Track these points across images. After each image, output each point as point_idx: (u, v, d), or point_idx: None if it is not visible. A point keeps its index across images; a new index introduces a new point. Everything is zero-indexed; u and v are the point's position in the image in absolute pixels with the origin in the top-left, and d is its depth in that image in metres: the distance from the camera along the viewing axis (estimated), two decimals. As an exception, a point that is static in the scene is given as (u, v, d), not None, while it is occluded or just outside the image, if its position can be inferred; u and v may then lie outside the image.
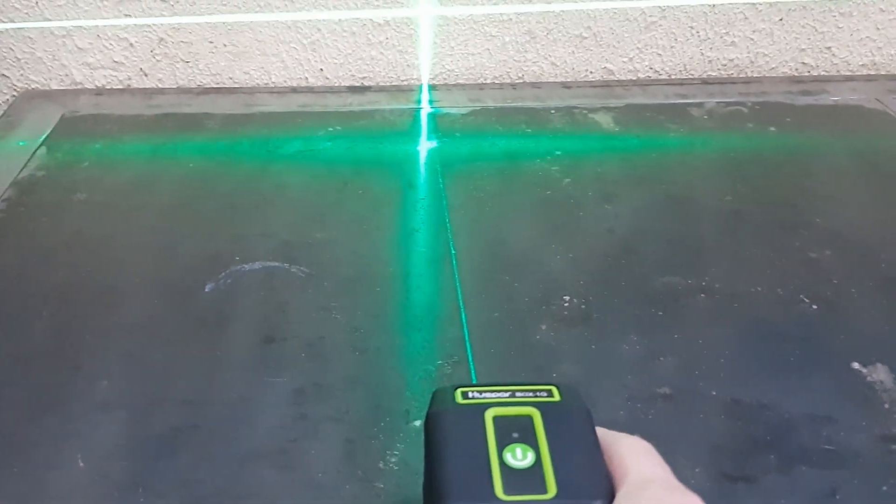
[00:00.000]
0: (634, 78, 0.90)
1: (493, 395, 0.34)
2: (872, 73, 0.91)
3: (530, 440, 0.32)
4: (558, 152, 0.76)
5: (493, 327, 0.55)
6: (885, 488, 0.44)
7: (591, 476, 0.31)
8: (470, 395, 0.34)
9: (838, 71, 0.91)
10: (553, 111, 0.83)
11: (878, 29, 0.88)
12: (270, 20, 0.83)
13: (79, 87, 0.88)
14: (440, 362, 0.52)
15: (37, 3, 0.82)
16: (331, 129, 0.80)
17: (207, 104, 0.84)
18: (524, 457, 0.31)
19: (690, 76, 0.90)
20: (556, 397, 0.34)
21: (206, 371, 0.51)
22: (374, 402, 0.49)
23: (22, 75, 0.87)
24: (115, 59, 0.86)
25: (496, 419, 0.33)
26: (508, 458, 0.31)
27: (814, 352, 0.53)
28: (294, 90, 0.88)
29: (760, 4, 0.86)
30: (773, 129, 0.80)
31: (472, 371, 0.51)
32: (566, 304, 0.57)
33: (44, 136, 0.79)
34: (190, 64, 0.86)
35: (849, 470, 0.45)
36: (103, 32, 0.84)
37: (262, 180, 0.72)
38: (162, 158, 0.75)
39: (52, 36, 0.84)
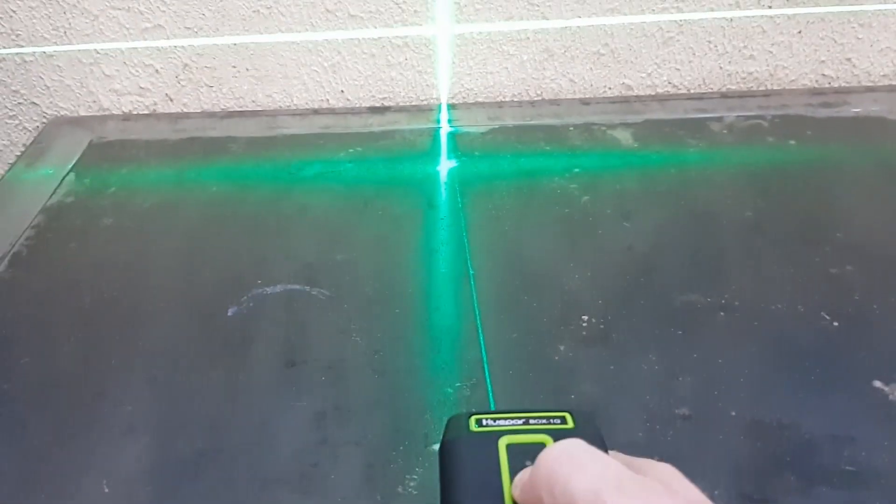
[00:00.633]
0: (653, 93, 0.90)
1: (506, 422, 0.34)
2: (894, 83, 0.90)
3: None
4: (577, 169, 0.76)
5: (512, 348, 0.55)
6: (908, 510, 0.43)
7: None
8: (484, 422, 0.34)
9: (859, 82, 0.90)
10: (572, 128, 0.83)
11: (899, 39, 0.87)
12: (291, 42, 0.84)
13: (106, 112, 0.89)
14: (459, 384, 0.52)
15: (65, 32, 0.84)
16: (351, 150, 0.80)
17: (231, 127, 0.85)
18: None
19: (709, 90, 0.90)
20: (570, 424, 0.34)
21: (229, 394, 0.52)
22: (394, 425, 0.49)
23: (51, 102, 0.88)
24: (142, 86, 0.87)
25: (510, 447, 0.33)
26: None
27: (835, 370, 0.52)
28: (316, 112, 0.88)
29: (779, 17, 0.86)
30: (793, 142, 0.79)
31: (490, 393, 0.51)
32: (585, 324, 0.57)
33: (72, 163, 0.80)
34: (214, 88, 0.88)
35: (870, 490, 0.44)
36: (129, 59, 0.85)
37: (284, 202, 0.72)
38: (187, 182, 0.76)
39: (80, 64, 0.86)
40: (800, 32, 0.87)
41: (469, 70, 0.87)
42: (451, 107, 0.88)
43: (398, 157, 0.80)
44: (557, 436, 0.33)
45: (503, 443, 0.33)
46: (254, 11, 0.83)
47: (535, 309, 0.59)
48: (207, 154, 0.81)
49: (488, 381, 0.52)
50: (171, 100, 0.88)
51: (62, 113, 0.89)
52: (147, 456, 0.47)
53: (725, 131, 0.81)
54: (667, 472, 0.31)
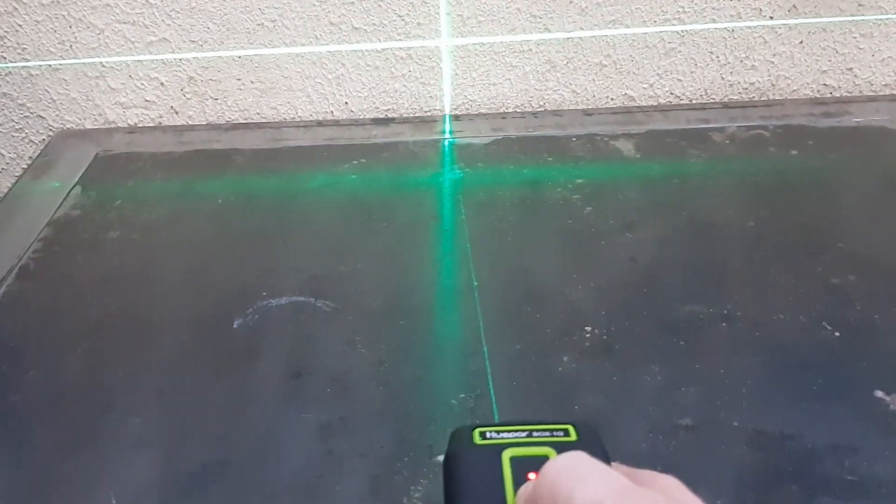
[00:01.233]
0: (655, 104, 0.90)
1: (510, 434, 0.35)
2: (895, 92, 0.91)
3: None
4: (580, 180, 0.76)
5: (515, 359, 0.55)
6: (910, 520, 0.43)
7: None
8: (487, 435, 0.35)
9: (861, 92, 0.91)
10: (574, 139, 0.83)
11: (900, 49, 0.87)
12: (296, 55, 0.85)
13: (112, 125, 0.90)
14: (463, 395, 0.52)
15: (71, 46, 0.85)
16: (356, 161, 0.81)
17: (236, 140, 0.86)
18: None
19: (711, 101, 0.90)
20: (573, 437, 0.34)
21: (235, 407, 0.52)
22: (399, 436, 0.49)
23: (57, 116, 0.89)
24: (147, 98, 0.88)
25: (513, 460, 0.33)
26: None
27: (836, 380, 0.52)
28: (320, 124, 0.89)
29: (780, 28, 0.86)
30: (795, 152, 0.80)
31: (494, 404, 0.51)
32: (588, 335, 0.57)
33: (79, 176, 0.81)
34: (219, 101, 0.88)
35: (872, 501, 0.44)
36: (135, 73, 0.86)
37: (289, 214, 0.73)
38: (192, 194, 0.77)
39: (85, 77, 0.87)
40: (801, 43, 0.87)
41: (472, 81, 0.88)
42: (455, 118, 0.89)
43: (402, 168, 0.80)
44: (561, 448, 0.34)
45: (506, 455, 0.33)
46: (258, 25, 0.84)
47: (539, 320, 0.59)
48: (212, 166, 0.82)
49: (492, 392, 0.52)
50: (177, 112, 0.89)
51: (68, 126, 0.90)
52: (155, 468, 0.48)
53: (727, 142, 0.82)
54: (670, 484, 0.32)
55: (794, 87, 0.90)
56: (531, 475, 0.32)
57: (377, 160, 0.81)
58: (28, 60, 0.85)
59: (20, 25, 0.83)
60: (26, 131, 0.90)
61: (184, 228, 0.72)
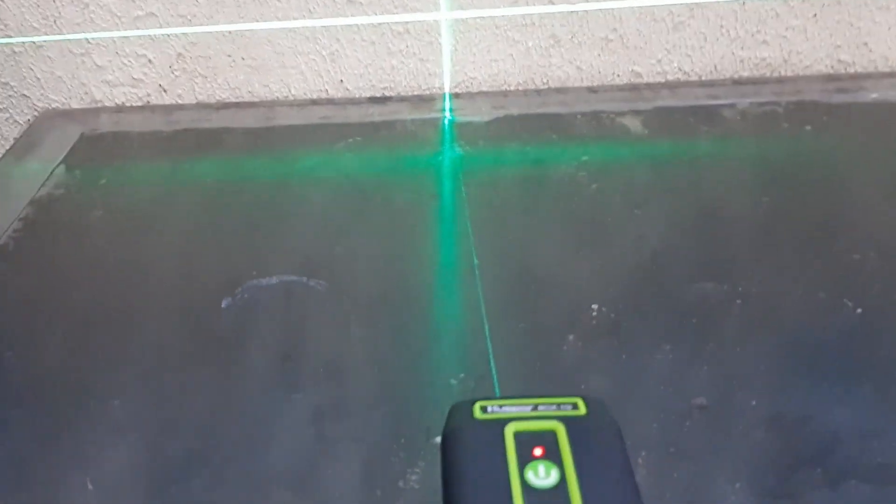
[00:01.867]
0: (663, 80, 0.88)
1: (513, 408, 0.32)
2: (913, 68, 0.88)
3: (554, 457, 0.30)
4: (585, 158, 0.74)
5: (518, 339, 0.53)
6: (942, 504, 0.41)
7: (622, 497, 0.29)
8: (489, 409, 0.33)
9: (876, 67, 0.88)
10: (579, 116, 0.81)
11: (917, 22, 0.85)
12: (288, 30, 0.83)
13: (99, 105, 0.88)
14: (463, 376, 0.50)
15: (55, 21, 0.82)
16: (351, 140, 0.78)
17: (227, 119, 0.84)
18: (547, 475, 0.29)
19: (721, 77, 0.88)
20: (582, 410, 0.32)
21: (222, 390, 0.50)
22: (394, 419, 0.47)
23: (42, 95, 0.87)
24: (135, 77, 0.86)
25: (517, 435, 0.31)
26: (530, 476, 0.29)
27: (860, 358, 0.50)
28: (314, 102, 0.87)
29: (793, 0, 0.84)
30: (809, 128, 0.77)
31: (496, 384, 0.49)
32: (595, 314, 0.55)
33: (63, 155, 0.79)
34: (209, 79, 0.86)
35: (902, 485, 0.42)
36: (122, 49, 0.84)
37: (282, 194, 0.71)
38: (181, 175, 0.75)
39: (70, 54, 0.84)
40: (815, 16, 0.85)
41: (472, 58, 0.86)
42: (455, 96, 0.87)
43: (400, 148, 0.78)
44: (569, 422, 0.31)
45: (510, 430, 0.31)
46: (249, -2, 0.81)
47: (543, 299, 0.57)
48: (202, 146, 0.79)
49: (494, 372, 0.50)
50: (165, 91, 0.87)
51: (53, 105, 0.88)
52: (135, 454, 0.46)
53: (738, 118, 0.80)
54: None
55: (808, 63, 0.88)
56: (537, 450, 0.30)
57: (374, 139, 0.79)
58: (11, 37, 0.83)
59: (1, 0, 0.81)
60: (10, 111, 0.88)
61: (171, 209, 0.69)
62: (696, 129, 0.78)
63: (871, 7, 0.85)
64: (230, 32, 0.83)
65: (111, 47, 0.84)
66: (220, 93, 0.87)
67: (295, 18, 0.83)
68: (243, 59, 0.85)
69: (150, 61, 0.85)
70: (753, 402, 0.48)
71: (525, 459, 0.30)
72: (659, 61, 0.87)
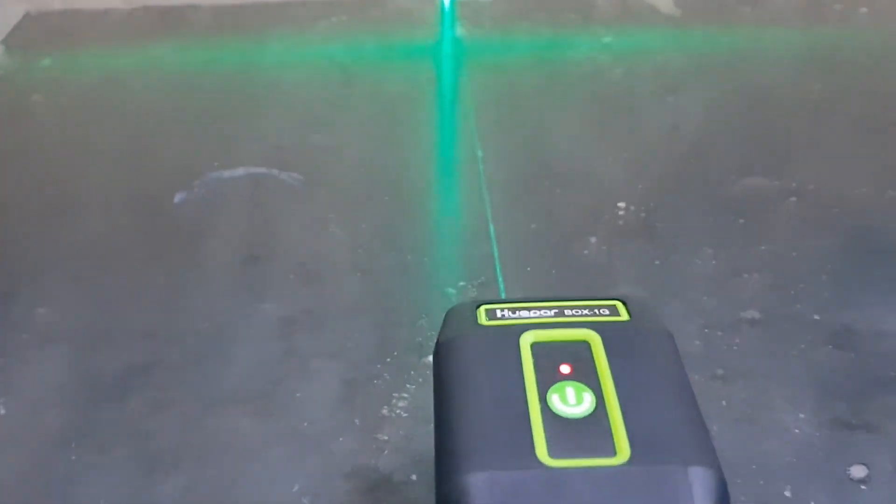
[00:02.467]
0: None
1: (531, 312, 0.25)
2: None
3: (587, 377, 0.22)
4: (608, 39, 0.67)
5: (530, 241, 0.47)
6: None
7: (680, 428, 0.21)
8: (498, 313, 0.25)
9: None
10: (600, -6, 0.73)
11: None
12: None
13: (47, -20, 0.78)
14: (463, 284, 0.44)
15: None
16: (335, 19, 0.72)
17: (193, -4, 0.76)
18: (579, 401, 0.22)
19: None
20: (624, 315, 0.25)
21: (172, 296, 0.44)
22: (379, 333, 0.41)
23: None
24: (87, -53, 0.76)
25: (536, 347, 0.23)
26: (556, 402, 0.22)
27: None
28: (294, -23, 0.78)
29: None
30: (864, 9, 0.71)
31: (503, 295, 0.43)
32: (621, 213, 0.49)
33: (3, 35, 0.71)
34: (172, -51, 0.76)
35: None
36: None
37: (253, 78, 0.65)
38: (138, 56, 0.68)
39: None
40: None
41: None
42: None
43: (391, 28, 0.72)
44: (606, 331, 0.24)
45: (526, 341, 0.24)
46: None
47: (559, 196, 0.51)
48: (164, 26, 0.73)
49: (500, 280, 0.44)
50: (123, -36, 0.77)
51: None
52: (61, 371, 0.39)
53: (785, -3, 0.72)
54: None
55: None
56: (564, 368, 0.22)
57: (362, 19, 0.72)
58: None
59: None
60: (-55, -12, 0.78)
61: (125, 94, 0.63)
62: (736, 10, 0.72)
63: None
64: None
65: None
66: (185, -34, 0.78)
67: None
68: (211, -76, 0.75)
69: (103, -73, 0.75)
70: (816, 316, 0.41)
71: (548, 380, 0.22)
72: (693, -68, 0.77)
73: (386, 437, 0.35)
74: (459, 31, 0.70)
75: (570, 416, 0.21)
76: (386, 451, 0.34)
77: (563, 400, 0.22)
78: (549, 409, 0.21)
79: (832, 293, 0.42)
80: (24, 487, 0.33)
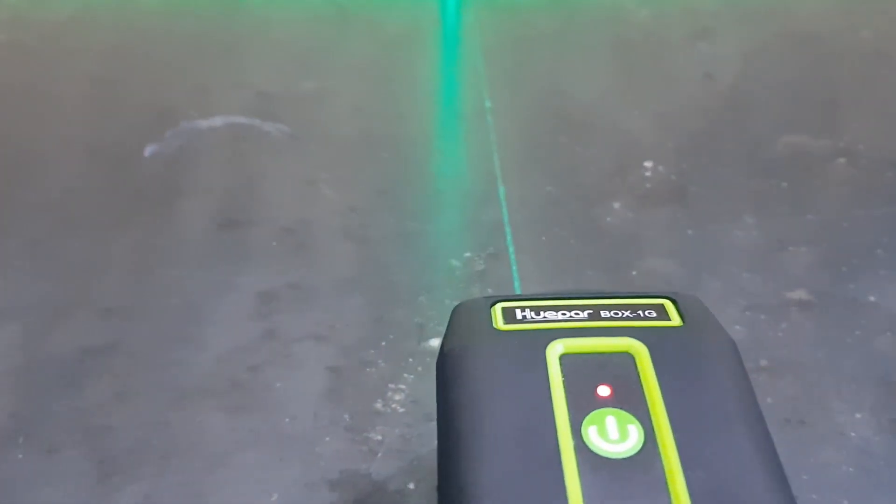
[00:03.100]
0: None
1: (559, 313, 0.21)
2: None
3: (633, 402, 0.18)
4: (632, -23, 0.65)
5: (545, 206, 0.45)
6: None
7: (752, 474, 0.17)
8: (518, 314, 0.21)
9: None
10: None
11: None
12: None
13: None
14: (469, 255, 0.42)
15: None
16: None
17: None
18: (623, 436, 0.18)
19: None
20: (675, 319, 0.21)
21: (138, 266, 0.42)
22: (374, 311, 0.39)
23: None
24: None
25: (567, 361, 0.20)
26: (593, 437, 0.18)
27: None
28: None
29: None
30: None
31: (514, 268, 0.41)
32: (649, 174, 0.47)
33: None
34: None
35: None
36: None
37: (235, 17, 0.63)
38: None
39: None
40: None
41: None
42: None
43: None
44: (654, 341, 0.19)
45: (555, 352, 0.20)
46: None
47: (578, 154, 0.49)
48: None
49: (511, 251, 0.42)
50: None
51: None
52: (9, 354, 0.36)
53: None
54: None
55: None
56: (603, 389, 0.18)
57: None
58: None
59: None
60: None
61: (94, 33, 0.61)
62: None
63: None
64: None
65: None
66: None
67: None
68: None
69: None
70: (872, 297, 0.38)
71: (583, 406, 0.18)
72: None
73: (379, 437, 0.32)
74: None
75: (611, 456, 0.17)
76: (379, 454, 0.31)
77: (603, 433, 0.18)
78: (585, 446, 0.17)
79: (890, 271, 0.40)
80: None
